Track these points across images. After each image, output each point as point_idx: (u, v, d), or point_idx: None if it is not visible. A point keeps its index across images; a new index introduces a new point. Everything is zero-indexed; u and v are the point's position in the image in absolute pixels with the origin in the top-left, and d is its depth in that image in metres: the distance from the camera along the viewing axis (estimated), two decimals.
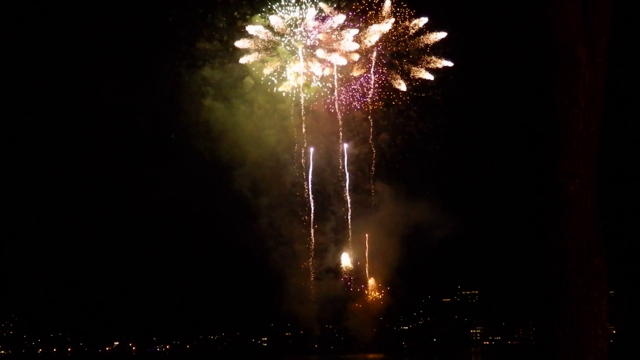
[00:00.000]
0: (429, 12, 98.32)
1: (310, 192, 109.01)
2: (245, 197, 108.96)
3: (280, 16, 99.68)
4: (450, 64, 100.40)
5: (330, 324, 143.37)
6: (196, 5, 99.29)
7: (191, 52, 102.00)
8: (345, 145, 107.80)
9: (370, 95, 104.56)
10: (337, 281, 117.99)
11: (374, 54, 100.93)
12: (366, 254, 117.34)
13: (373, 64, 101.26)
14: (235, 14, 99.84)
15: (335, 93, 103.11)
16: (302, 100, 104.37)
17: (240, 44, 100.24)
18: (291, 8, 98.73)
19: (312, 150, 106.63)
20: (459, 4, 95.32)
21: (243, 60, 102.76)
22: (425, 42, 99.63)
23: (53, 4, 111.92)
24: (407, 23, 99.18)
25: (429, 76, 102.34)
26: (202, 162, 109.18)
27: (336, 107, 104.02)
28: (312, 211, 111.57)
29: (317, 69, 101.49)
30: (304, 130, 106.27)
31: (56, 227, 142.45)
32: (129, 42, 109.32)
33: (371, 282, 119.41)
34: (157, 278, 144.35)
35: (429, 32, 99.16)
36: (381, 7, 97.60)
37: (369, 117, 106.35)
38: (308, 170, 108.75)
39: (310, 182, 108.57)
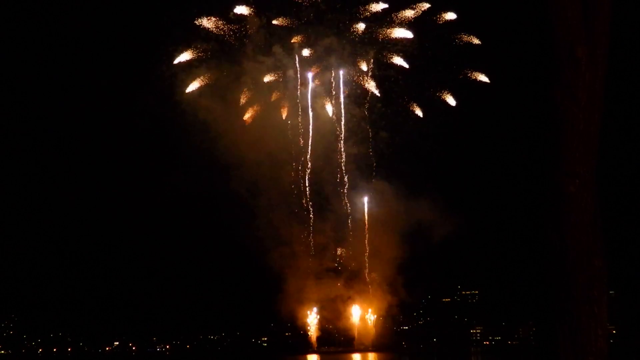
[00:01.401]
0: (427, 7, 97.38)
1: (307, 182, 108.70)
2: (243, 197, 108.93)
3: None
4: (486, 79, 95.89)
5: (330, 324, 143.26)
6: (191, 5, 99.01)
7: (188, 52, 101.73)
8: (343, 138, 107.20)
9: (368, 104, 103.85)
10: (337, 280, 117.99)
11: (371, 61, 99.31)
12: (366, 255, 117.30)
13: (369, 74, 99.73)
14: (231, 15, 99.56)
15: (341, 97, 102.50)
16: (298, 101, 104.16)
17: (186, 56, 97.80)
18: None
19: (310, 76, 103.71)
20: (458, 3, 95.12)
21: (190, 88, 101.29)
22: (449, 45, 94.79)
23: (50, 5, 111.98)
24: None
25: (452, 101, 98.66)
26: (200, 163, 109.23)
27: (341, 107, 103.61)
28: (311, 211, 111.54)
29: (330, 108, 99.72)
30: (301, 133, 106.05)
31: (56, 227, 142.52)
32: (125, 43, 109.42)
33: (371, 281, 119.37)
34: (157, 278, 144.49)
35: (461, 36, 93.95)
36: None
37: (366, 122, 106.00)
38: (306, 169, 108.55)
39: (309, 166, 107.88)
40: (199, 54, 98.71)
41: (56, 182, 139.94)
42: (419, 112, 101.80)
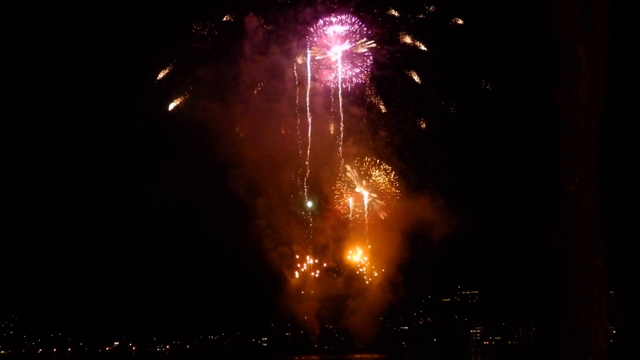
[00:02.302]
0: (427, 6, 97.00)
1: (305, 186, 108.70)
2: (242, 198, 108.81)
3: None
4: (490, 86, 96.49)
5: (330, 324, 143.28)
6: (190, 5, 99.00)
7: (185, 52, 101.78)
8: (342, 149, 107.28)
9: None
10: (337, 280, 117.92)
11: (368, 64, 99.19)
12: (366, 255, 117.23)
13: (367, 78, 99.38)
14: (228, 17, 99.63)
15: (340, 95, 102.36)
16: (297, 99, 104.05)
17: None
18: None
19: (309, 53, 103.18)
20: (458, 3, 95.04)
21: (172, 105, 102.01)
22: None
23: (48, 5, 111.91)
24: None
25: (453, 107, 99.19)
26: (199, 163, 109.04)
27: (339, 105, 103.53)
28: (310, 210, 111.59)
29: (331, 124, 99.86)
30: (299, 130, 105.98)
31: (55, 227, 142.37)
32: (123, 43, 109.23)
33: (371, 280, 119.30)
34: (156, 278, 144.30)
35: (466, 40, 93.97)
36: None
37: (365, 121, 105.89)
38: (305, 176, 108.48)
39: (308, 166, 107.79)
40: (195, 58, 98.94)
41: (55, 183, 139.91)
42: (422, 125, 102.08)
